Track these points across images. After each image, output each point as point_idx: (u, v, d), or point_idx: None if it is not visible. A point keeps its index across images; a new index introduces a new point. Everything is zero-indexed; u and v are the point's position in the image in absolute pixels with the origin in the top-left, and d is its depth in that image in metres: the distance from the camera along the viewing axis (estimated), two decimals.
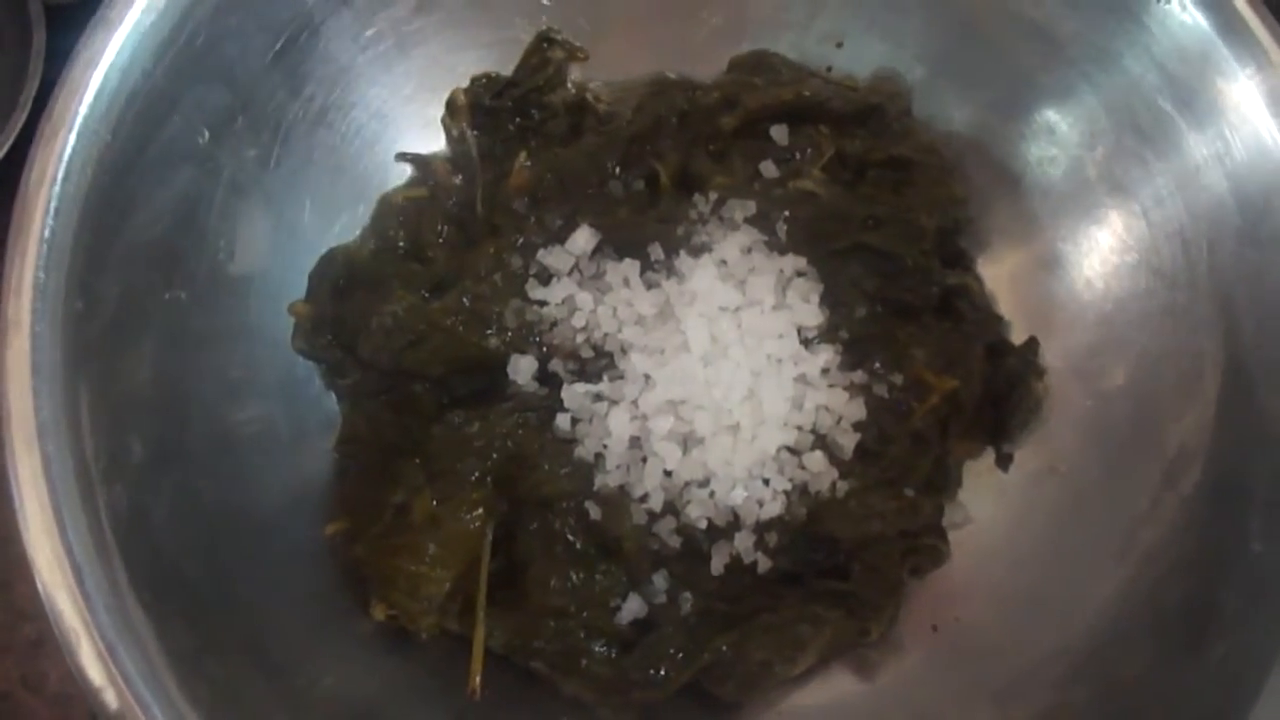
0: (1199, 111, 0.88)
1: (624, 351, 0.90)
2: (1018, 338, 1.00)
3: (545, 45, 1.01)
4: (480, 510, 0.85)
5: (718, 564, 0.88)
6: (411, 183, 0.99)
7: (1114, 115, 0.93)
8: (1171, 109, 0.89)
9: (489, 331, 0.90)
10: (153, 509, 0.75)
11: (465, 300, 0.90)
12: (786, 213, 0.96)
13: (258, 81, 0.86)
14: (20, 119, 1.01)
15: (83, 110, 0.75)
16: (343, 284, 0.92)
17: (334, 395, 0.94)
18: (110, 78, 0.77)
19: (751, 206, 0.95)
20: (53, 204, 0.73)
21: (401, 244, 0.95)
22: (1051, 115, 0.97)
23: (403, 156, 0.99)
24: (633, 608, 0.87)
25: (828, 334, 0.94)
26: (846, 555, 0.91)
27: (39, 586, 0.67)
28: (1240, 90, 0.85)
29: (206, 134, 0.83)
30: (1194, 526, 0.84)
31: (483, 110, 0.99)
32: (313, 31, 0.89)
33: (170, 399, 0.80)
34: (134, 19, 0.78)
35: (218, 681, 0.72)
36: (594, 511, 0.86)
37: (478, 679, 0.83)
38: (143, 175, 0.79)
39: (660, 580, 0.88)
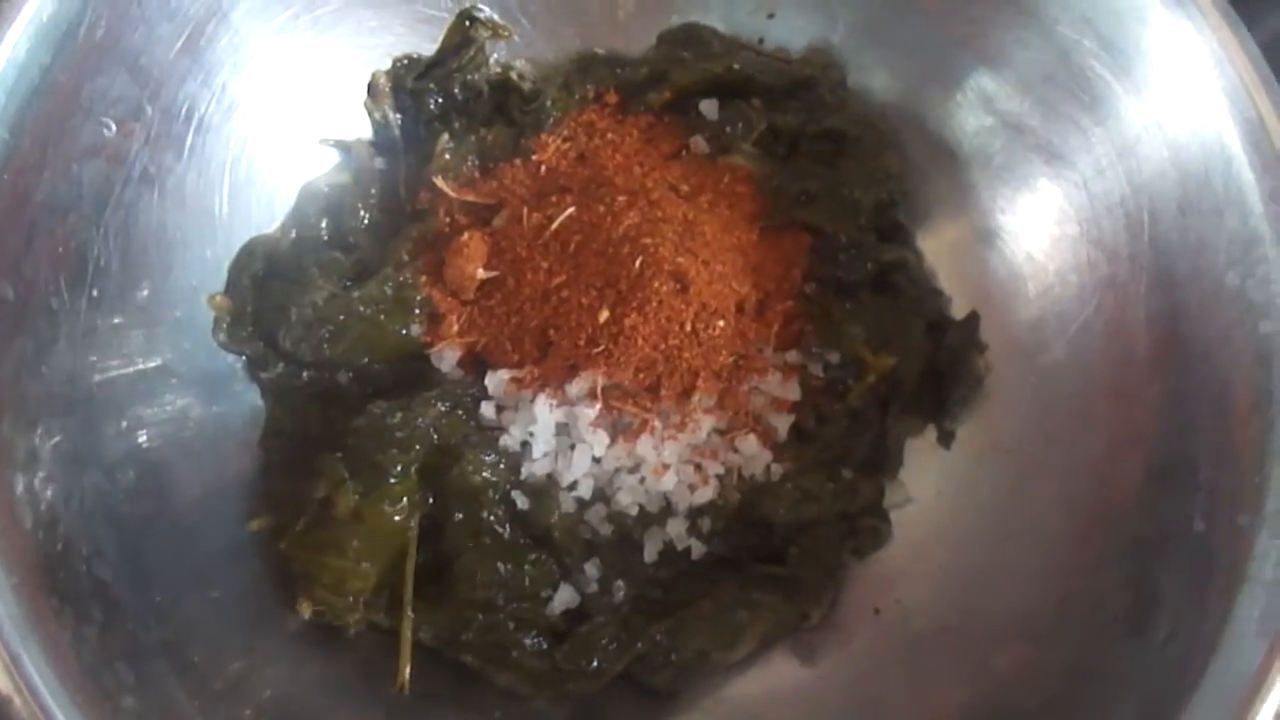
0: (1136, 77, 0.85)
1: None
2: (958, 312, 0.98)
3: (468, 23, 0.97)
4: (405, 502, 0.84)
5: (650, 551, 0.88)
6: (334, 168, 0.96)
7: (1050, 82, 0.90)
8: (1108, 74, 0.86)
9: (411, 319, 0.89)
10: (63, 511, 0.74)
11: (387, 288, 0.89)
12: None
13: (166, 72, 0.83)
14: None
15: None
16: (263, 275, 0.90)
17: (258, 389, 0.92)
18: (7, 74, 0.75)
19: None
20: None
21: (324, 232, 0.94)
22: (987, 83, 0.95)
23: (325, 142, 0.96)
24: (564, 598, 0.86)
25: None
26: (783, 539, 0.90)
27: None
28: (1177, 54, 0.83)
29: (113, 127, 0.81)
30: (1137, 505, 0.83)
31: (405, 92, 0.97)
32: (222, 17, 0.86)
33: (82, 398, 0.78)
34: (30, 11, 0.76)
35: (134, 688, 0.72)
36: (521, 501, 0.86)
37: (406, 674, 0.83)
38: (45, 172, 0.76)
39: (592, 569, 0.87)
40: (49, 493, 0.73)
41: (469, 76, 0.98)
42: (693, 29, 1.01)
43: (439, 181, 0.93)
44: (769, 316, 0.92)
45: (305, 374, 0.91)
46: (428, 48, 0.98)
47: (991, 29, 0.92)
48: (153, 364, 0.84)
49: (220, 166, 0.89)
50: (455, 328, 0.89)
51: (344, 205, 0.94)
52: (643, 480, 0.86)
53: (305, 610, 0.83)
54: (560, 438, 0.86)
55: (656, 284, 0.86)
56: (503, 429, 0.87)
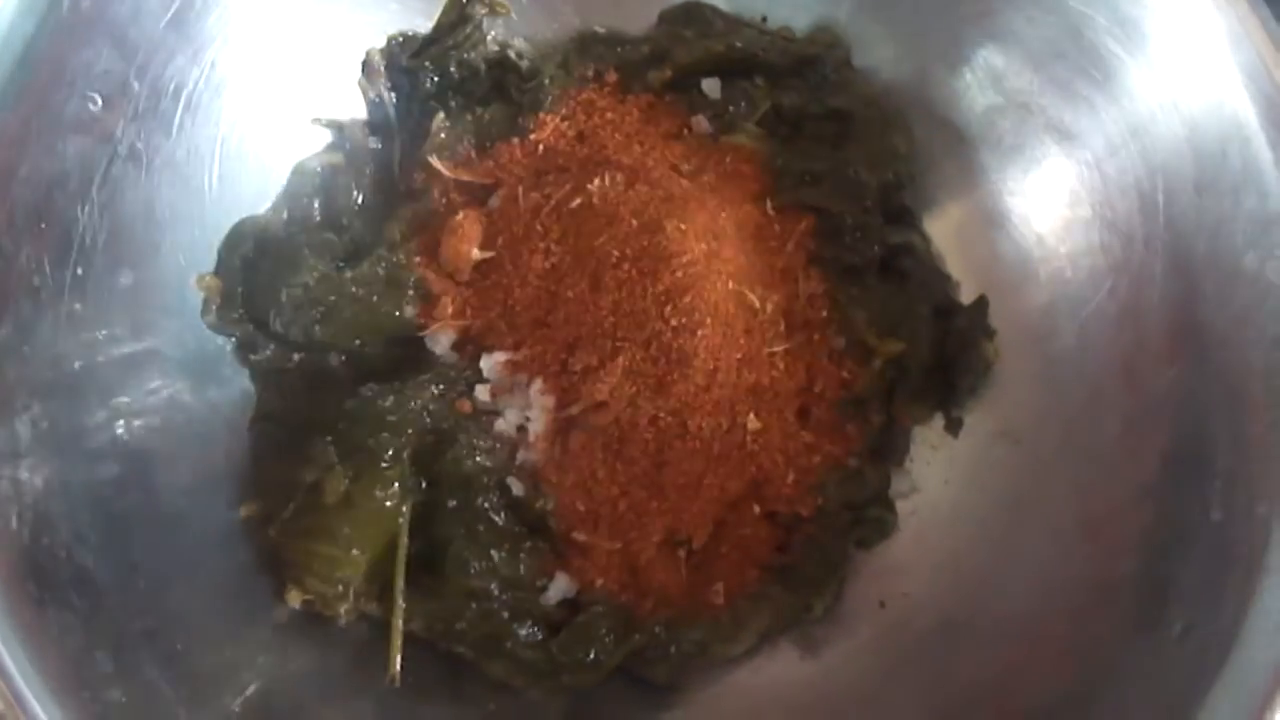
0: (1151, 54, 0.83)
1: None
2: (966, 297, 0.96)
3: (465, 0, 0.96)
4: (396, 488, 0.82)
5: None
6: (327, 148, 0.94)
7: (1062, 59, 0.88)
8: (1122, 51, 0.84)
9: (405, 300, 0.87)
10: (44, 496, 0.72)
11: (380, 269, 0.87)
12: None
13: (154, 45, 0.82)
14: None
15: None
16: (253, 255, 0.88)
17: (247, 372, 0.90)
18: None
19: None
20: None
21: (316, 212, 0.92)
22: (996, 61, 0.92)
23: (317, 121, 0.94)
24: (560, 587, 0.84)
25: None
26: (787, 528, 0.88)
27: None
28: (1194, 30, 0.80)
29: (99, 101, 0.79)
30: (1151, 494, 0.80)
31: (400, 70, 0.95)
32: None
33: (66, 380, 0.77)
34: None
35: (116, 678, 0.70)
36: (516, 487, 0.84)
37: (398, 665, 0.81)
38: (28, 147, 0.75)
39: None
40: (30, 477, 0.72)
41: (466, 54, 0.96)
42: (695, 7, 0.99)
43: (434, 161, 0.91)
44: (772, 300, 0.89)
45: (296, 356, 0.89)
46: (424, 25, 0.96)
47: (1000, 5, 0.90)
48: (139, 346, 0.83)
49: (210, 144, 0.87)
50: (450, 309, 0.87)
51: (337, 185, 0.92)
52: None
53: (294, 599, 0.81)
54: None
55: (656, 266, 0.84)
56: (498, 413, 0.85)
